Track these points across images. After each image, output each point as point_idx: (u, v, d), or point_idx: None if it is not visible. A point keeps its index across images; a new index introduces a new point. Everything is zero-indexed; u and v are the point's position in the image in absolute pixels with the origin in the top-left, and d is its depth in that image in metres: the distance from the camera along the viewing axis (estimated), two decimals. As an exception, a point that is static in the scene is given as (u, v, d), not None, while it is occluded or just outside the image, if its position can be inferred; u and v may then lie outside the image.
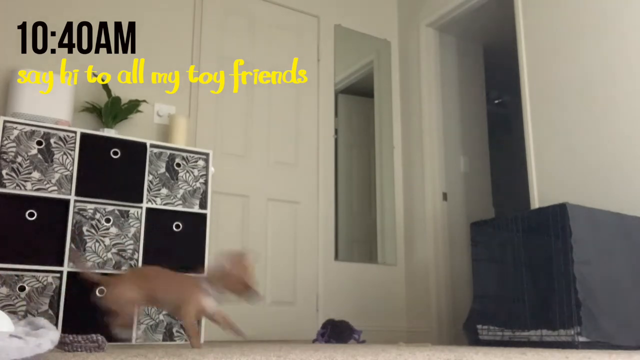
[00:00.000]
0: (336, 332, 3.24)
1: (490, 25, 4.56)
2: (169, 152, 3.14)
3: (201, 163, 3.23)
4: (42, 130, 2.81)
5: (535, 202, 3.34)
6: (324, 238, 3.97)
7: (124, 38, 3.52)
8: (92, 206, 2.85)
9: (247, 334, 3.48)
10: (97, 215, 2.85)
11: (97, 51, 3.41)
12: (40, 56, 3.22)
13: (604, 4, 3.14)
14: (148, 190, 3.02)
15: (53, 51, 3.27)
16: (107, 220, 2.87)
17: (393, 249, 4.27)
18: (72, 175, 2.82)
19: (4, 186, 2.66)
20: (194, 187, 3.17)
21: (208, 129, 3.70)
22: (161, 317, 2.92)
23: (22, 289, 2.60)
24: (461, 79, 4.61)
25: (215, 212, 3.60)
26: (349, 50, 4.46)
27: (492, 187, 4.57)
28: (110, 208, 2.89)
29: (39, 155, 2.77)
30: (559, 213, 2.56)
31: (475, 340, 2.89)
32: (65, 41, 3.33)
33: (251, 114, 3.91)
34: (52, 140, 2.82)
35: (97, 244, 2.82)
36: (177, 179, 3.12)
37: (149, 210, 3.01)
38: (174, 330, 2.94)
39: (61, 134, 2.85)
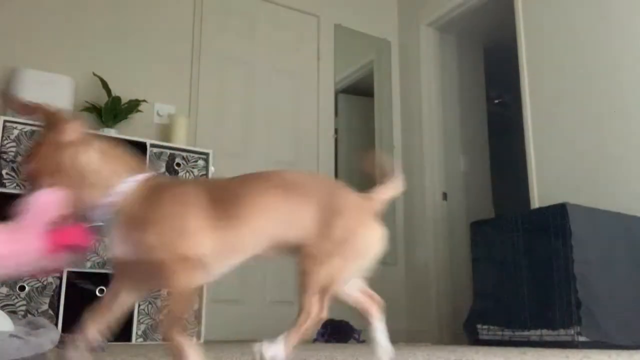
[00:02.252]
0: (336, 331, 3.24)
1: (490, 24, 4.56)
2: (169, 151, 3.14)
3: (201, 163, 3.23)
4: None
5: (535, 202, 3.34)
6: (324, 238, 3.97)
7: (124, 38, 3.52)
8: (92, 206, 2.85)
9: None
10: (97, 215, 2.85)
11: (97, 51, 3.41)
12: (41, 56, 3.22)
13: (603, 4, 3.14)
14: (148, 190, 3.02)
15: (53, 51, 3.27)
16: (107, 220, 2.87)
17: (393, 248, 4.26)
18: (72, 175, 2.82)
19: (4, 186, 2.66)
20: (194, 186, 3.16)
21: (208, 129, 3.70)
22: (161, 316, 2.92)
23: (22, 288, 2.60)
24: (461, 79, 4.61)
25: (215, 211, 3.59)
26: (349, 49, 4.45)
27: (492, 187, 4.56)
28: (110, 208, 2.89)
29: (39, 155, 2.77)
30: (559, 213, 2.56)
31: (475, 340, 2.89)
32: (66, 41, 3.33)
33: (251, 114, 3.91)
34: (52, 140, 2.82)
35: (97, 244, 2.82)
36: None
37: (149, 210, 3.00)
38: (174, 330, 2.94)
39: (61, 133, 2.85)
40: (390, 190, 1.33)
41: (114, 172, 1.07)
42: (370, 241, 1.18)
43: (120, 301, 1.13)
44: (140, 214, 1.04)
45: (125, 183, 1.06)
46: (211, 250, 1.07)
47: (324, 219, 1.13)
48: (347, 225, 1.14)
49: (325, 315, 1.14)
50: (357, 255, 1.17)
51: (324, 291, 1.11)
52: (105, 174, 1.06)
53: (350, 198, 1.20)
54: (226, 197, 1.12)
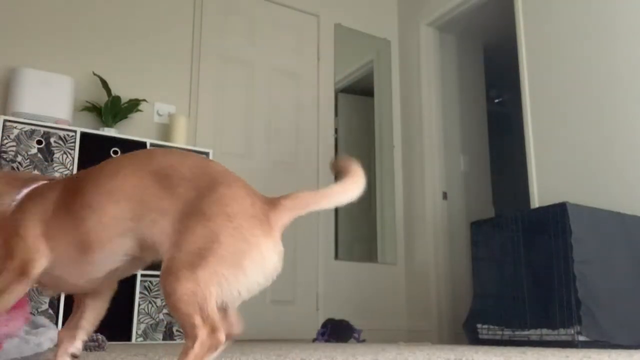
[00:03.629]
0: (336, 331, 3.24)
1: (490, 24, 4.56)
2: (169, 151, 3.14)
3: (201, 162, 3.23)
4: (42, 129, 2.81)
5: (535, 202, 3.34)
6: (324, 237, 3.97)
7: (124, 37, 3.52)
8: (92, 205, 2.85)
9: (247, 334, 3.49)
10: (97, 215, 2.85)
11: (97, 50, 3.41)
12: (41, 55, 3.22)
13: (603, 4, 3.14)
14: (148, 190, 3.02)
15: (53, 50, 3.27)
16: (107, 220, 2.87)
17: (393, 248, 4.26)
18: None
19: (4, 185, 2.66)
20: (194, 186, 3.16)
21: (208, 128, 3.70)
22: (161, 316, 2.92)
23: (22, 288, 2.60)
24: (461, 78, 4.61)
25: (215, 211, 3.60)
26: (349, 49, 4.46)
27: (492, 186, 4.56)
28: (110, 207, 2.89)
29: (39, 155, 2.77)
30: (559, 212, 2.56)
31: (475, 340, 2.89)
32: (66, 40, 3.33)
33: (251, 113, 3.91)
34: (52, 140, 2.82)
35: None
36: (177, 178, 3.12)
37: (149, 209, 3.01)
38: (174, 329, 2.94)
39: (61, 133, 2.85)
40: (315, 201, 1.02)
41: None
42: (247, 252, 0.90)
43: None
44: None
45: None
46: (51, 255, 0.97)
47: (183, 222, 0.90)
48: (210, 230, 0.89)
49: (222, 336, 0.89)
50: (230, 266, 0.89)
51: (202, 310, 0.87)
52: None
53: (229, 198, 0.93)
54: (79, 186, 1.00)
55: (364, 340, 3.35)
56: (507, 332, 2.71)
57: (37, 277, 0.97)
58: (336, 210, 4.09)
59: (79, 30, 3.38)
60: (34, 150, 2.77)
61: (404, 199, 4.38)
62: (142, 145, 3.04)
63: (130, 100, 3.29)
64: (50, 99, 2.96)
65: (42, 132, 2.80)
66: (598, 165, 3.04)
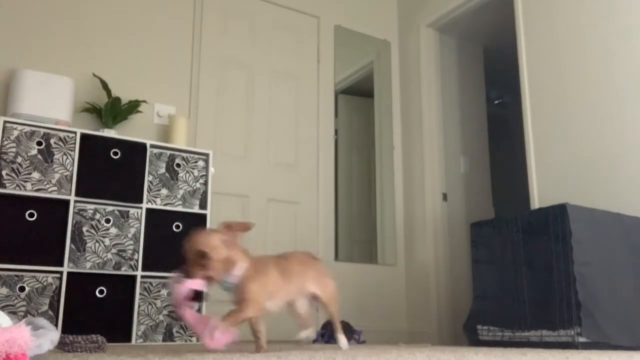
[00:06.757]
0: (336, 332, 3.23)
1: (491, 25, 4.56)
2: (169, 152, 3.14)
3: (201, 163, 3.23)
4: (42, 130, 2.81)
5: (535, 203, 3.34)
6: (324, 238, 3.97)
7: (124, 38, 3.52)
8: (92, 206, 2.85)
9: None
10: (97, 216, 2.85)
11: (97, 52, 3.41)
12: (41, 56, 3.22)
13: (603, 4, 3.14)
14: (148, 191, 3.02)
15: (53, 52, 3.27)
16: (107, 221, 2.87)
17: (393, 249, 4.26)
18: (72, 176, 2.82)
19: (4, 186, 2.66)
20: (194, 187, 3.17)
21: (208, 130, 3.70)
22: (161, 317, 2.91)
23: (22, 289, 2.60)
24: (461, 80, 4.61)
25: (215, 212, 3.60)
26: (349, 50, 4.46)
27: (492, 187, 4.56)
28: (110, 208, 2.89)
29: (39, 156, 2.77)
30: (559, 213, 2.56)
31: (475, 341, 2.89)
32: (66, 41, 3.33)
33: (251, 115, 3.91)
34: (52, 141, 2.82)
35: (97, 245, 2.82)
36: (177, 179, 3.12)
37: (149, 210, 3.01)
38: (174, 330, 2.94)
39: (61, 134, 2.85)
40: None
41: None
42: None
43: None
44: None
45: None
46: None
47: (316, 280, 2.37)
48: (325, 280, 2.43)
49: None
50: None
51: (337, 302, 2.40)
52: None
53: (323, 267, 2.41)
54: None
55: (364, 342, 3.35)
56: (507, 333, 2.71)
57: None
58: (336, 211, 4.09)
59: (78, 31, 3.38)
60: (34, 152, 2.77)
61: (404, 200, 4.38)
62: (142, 146, 3.04)
63: (130, 102, 3.29)
64: (50, 100, 2.96)
65: (42, 133, 2.80)
66: (598, 167, 3.04)
